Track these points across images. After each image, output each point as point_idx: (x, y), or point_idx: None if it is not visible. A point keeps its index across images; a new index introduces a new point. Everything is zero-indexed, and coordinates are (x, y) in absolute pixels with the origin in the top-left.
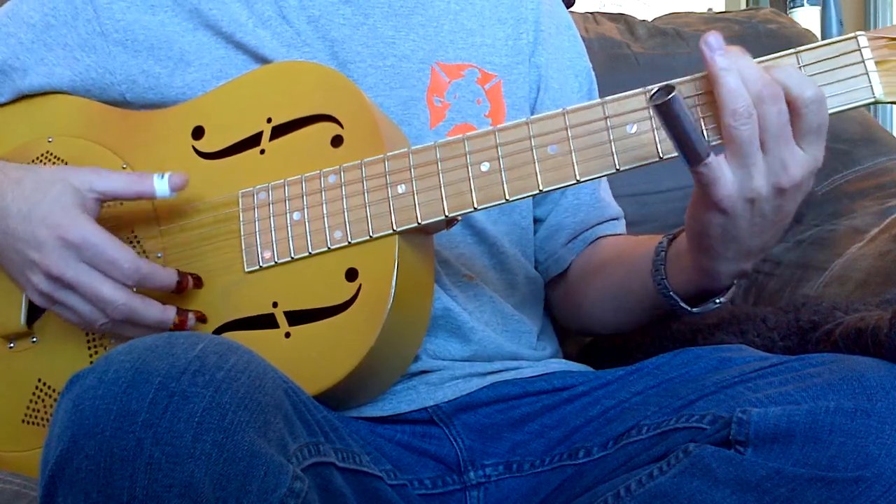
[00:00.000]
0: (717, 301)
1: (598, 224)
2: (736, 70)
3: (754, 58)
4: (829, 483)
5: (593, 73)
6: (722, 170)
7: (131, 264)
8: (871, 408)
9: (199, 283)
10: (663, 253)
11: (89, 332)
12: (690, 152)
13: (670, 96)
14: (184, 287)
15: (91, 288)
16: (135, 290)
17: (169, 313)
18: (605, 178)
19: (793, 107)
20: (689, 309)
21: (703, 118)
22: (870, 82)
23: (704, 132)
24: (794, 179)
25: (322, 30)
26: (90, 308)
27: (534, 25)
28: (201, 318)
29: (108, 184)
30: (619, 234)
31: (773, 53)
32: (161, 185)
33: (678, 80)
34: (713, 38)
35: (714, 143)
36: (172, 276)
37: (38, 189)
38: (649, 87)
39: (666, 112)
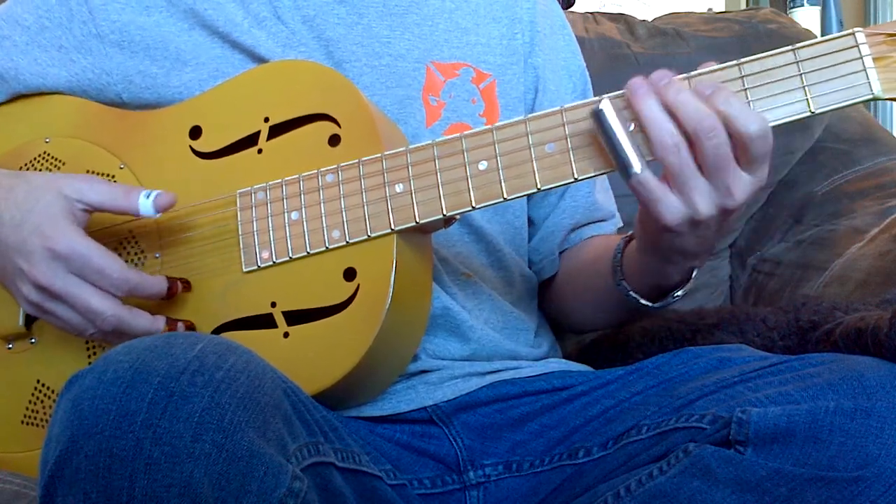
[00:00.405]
0: (676, 295)
1: (586, 225)
2: (657, 105)
3: None
4: (829, 483)
5: (587, 73)
6: (662, 191)
7: (120, 274)
8: (871, 407)
9: (188, 286)
10: (619, 255)
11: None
12: (618, 164)
13: (594, 107)
14: (174, 293)
15: (79, 299)
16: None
17: (158, 323)
18: (605, 180)
19: (736, 140)
20: (649, 305)
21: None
22: (868, 79)
23: (633, 149)
24: (739, 201)
25: (317, 29)
26: (79, 319)
27: (529, 26)
28: (190, 327)
29: (96, 196)
30: (605, 235)
31: None
32: (145, 205)
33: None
34: (633, 81)
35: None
36: (162, 283)
37: (29, 198)
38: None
39: (595, 122)
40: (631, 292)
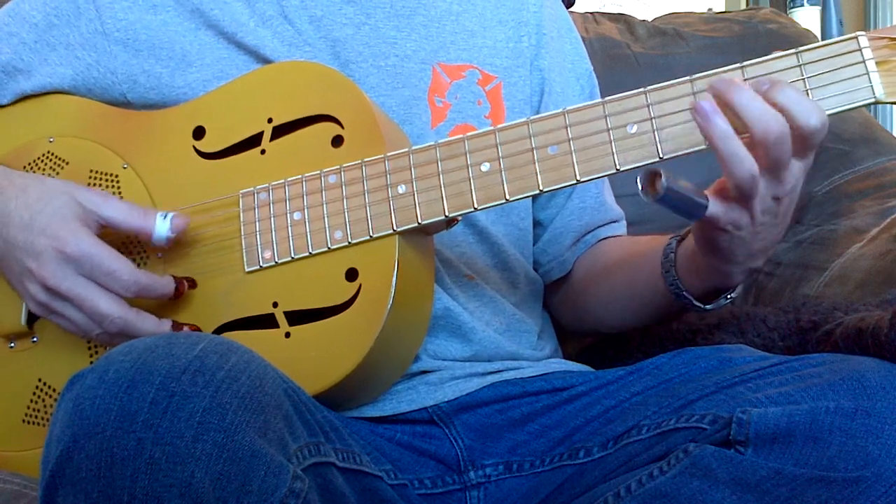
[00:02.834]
0: (729, 297)
1: (601, 226)
2: (726, 125)
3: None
4: (829, 483)
5: (595, 76)
6: (720, 209)
7: (130, 276)
8: (871, 408)
9: (193, 284)
10: (672, 255)
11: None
12: (694, 214)
13: (663, 188)
14: (181, 293)
15: (87, 301)
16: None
17: (164, 327)
18: (607, 181)
19: (797, 133)
20: (702, 307)
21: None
22: (870, 82)
23: (697, 195)
24: (787, 189)
25: (324, 29)
26: (86, 320)
27: (536, 29)
28: (196, 331)
29: (112, 212)
30: (621, 236)
31: (772, 53)
32: (162, 225)
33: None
34: (706, 105)
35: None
36: (170, 284)
37: (41, 199)
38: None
39: (663, 199)
40: (685, 293)
